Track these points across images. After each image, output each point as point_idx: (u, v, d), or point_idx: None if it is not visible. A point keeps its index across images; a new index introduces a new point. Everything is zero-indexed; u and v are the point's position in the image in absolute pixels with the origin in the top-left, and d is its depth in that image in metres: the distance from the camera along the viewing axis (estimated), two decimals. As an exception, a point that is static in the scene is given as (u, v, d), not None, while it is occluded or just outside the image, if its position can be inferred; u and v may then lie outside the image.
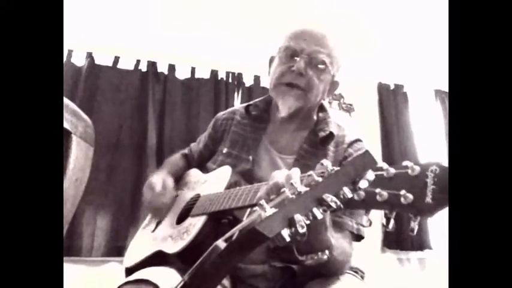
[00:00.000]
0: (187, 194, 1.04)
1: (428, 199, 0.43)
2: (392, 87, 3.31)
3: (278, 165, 0.97)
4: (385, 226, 0.48)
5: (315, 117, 1.04)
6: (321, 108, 1.06)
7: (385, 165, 0.48)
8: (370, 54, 3.00)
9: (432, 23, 2.54)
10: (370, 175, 0.47)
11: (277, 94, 0.98)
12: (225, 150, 1.04)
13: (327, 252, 0.68)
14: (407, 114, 3.24)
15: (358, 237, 0.90)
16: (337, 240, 0.74)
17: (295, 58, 0.95)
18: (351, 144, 0.97)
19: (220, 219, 0.86)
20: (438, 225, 3.00)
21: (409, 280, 2.90)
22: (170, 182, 1.05)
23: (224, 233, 0.84)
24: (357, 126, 3.08)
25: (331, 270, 0.81)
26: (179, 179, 1.14)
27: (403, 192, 0.45)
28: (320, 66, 0.95)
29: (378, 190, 0.47)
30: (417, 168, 0.45)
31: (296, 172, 0.60)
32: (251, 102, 1.11)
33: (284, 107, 0.97)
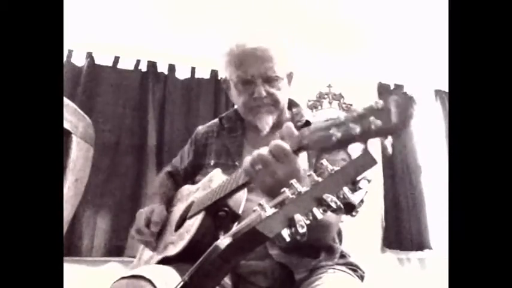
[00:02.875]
0: (181, 207, 1.05)
1: (394, 119, 0.49)
2: (392, 87, 3.31)
3: None
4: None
5: (288, 115, 1.08)
6: (292, 104, 1.11)
7: (352, 108, 0.55)
8: (370, 54, 3.00)
9: (432, 23, 2.54)
10: (370, 175, 0.48)
11: (252, 116, 1.02)
12: (212, 163, 1.06)
13: None
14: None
15: (349, 207, 0.90)
16: None
17: (251, 82, 0.98)
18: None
19: (217, 212, 0.86)
20: (438, 225, 3.01)
21: (409, 280, 2.90)
22: (157, 210, 1.03)
23: (222, 225, 0.85)
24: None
25: (314, 235, 0.83)
26: (171, 198, 1.15)
27: (371, 118, 0.51)
28: (274, 78, 0.99)
29: (351, 125, 0.53)
30: (380, 102, 0.51)
31: (278, 140, 0.66)
32: (223, 115, 1.15)
33: (262, 125, 1.01)
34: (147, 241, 1.01)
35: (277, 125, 1.03)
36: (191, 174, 1.14)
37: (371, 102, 0.53)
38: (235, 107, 1.13)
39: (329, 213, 0.82)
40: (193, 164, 1.15)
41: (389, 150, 0.51)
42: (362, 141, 0.52)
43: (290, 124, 0.68)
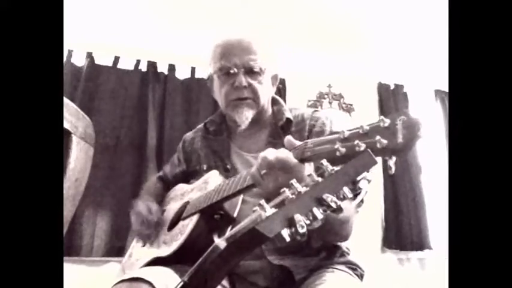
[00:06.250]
0: (175, 205, 1.05)
1: (400, 139, 0.49)
2: (392, 87, 3.31)
3: (252, 163, 1.00)
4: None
5: (270, 113, 1.09)
6: (274, 102, 1.11)
7: (359, 125, 0.54)
8: (370, 54, 3.00)
9: (432, 23, 2.54)
10: (370, 175, 0.48)
11: (231, 111, 1.03)
12: (205, 167, 1.07)
13: None
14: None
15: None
16: None
17: (232, 72, 0.99)
18: (310, 117, 1.02)
19: (212, 215, 0.86)
20: (438, 225, 3.01)
21: (409, 280, 2.90)
22: (154, 206, 1.07)
23: (217, 228, 0.86)
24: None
25: (336, 227, 0.83)
26: (162, 199, 1.17)
27: (378, 137, 0.50)
28: (256, 70, 1.00)
29: (356, 142, 0.53)
30: (387, 120, 0.51)
31: (284, 151, 0.66)
32: (207, 120, 1.16)
33: (241, 119, 1.01)
34: (150, 233, 1.02)
35: (258, 121, 1.04)
36: (182, 180, 1.15)
37: (376, 121, 0.53)
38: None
39: (348, 206, 0.83)
40: (185, 171, 1.16)
41: (393, 170, 0.51)
42: None
43: (289, 137, 0.69)
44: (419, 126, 0.49)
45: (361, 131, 0.53)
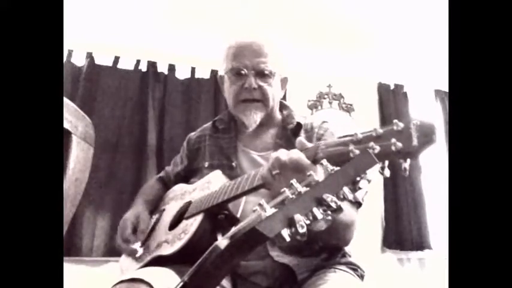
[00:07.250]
0: (175, 205, 1.05)
1: (415, 142, 0.50)
2: (392, 87, 3.31)
3: (259, 162, 1.01)
4: (382, 173, 0.53)
5: (279, 117, 1.09)
6: (283, 107, 1.12)
7: (372, 129, 0.55)
8: (370, 54, 3.00)
9: (432, 23, 2.54)
10: (370, 175, 0.48)
11: (239, 112, 1.04)
12: (206, 164, 1.07)
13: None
14: (407, 114, 3.24)
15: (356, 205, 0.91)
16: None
17: (243, 73, 1.00)
18: (319, 127, 1.02)
19: (216, 215, 0.86)
20: (438, 225, 3.01)
21: (409, 280, 2.90)
22: (143, 223, 1.06)
23: (221, 228, 0.86)
24: (356, 125, 3.08)
25: (341, 231, 0.84)
26: (160, 200, 1.17)
27: (393, 140, 0.51)
28: (266, 73, 1.01)
29: (370, 144, 0.53)
30: (401, 124, 0.52)
31: (297, 152, 0.66)
32: (216, 118, 1.17)
33: (249, 121, 1.02)
34: (133, 250, 1.02)
35: (266, 123, 1.05)
36: (184, 178, 1.15)
37: (389, 125, 0.53)
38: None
39: (350, 210, 0.83)
40: (187, 169, 1.16)
41: (407, 172, 0.52)
42: (380, 161, 0.52)
43: (301, 138, 0.70)
44: (434, 130, 0.50)
45: (374, 134, 0.54)
